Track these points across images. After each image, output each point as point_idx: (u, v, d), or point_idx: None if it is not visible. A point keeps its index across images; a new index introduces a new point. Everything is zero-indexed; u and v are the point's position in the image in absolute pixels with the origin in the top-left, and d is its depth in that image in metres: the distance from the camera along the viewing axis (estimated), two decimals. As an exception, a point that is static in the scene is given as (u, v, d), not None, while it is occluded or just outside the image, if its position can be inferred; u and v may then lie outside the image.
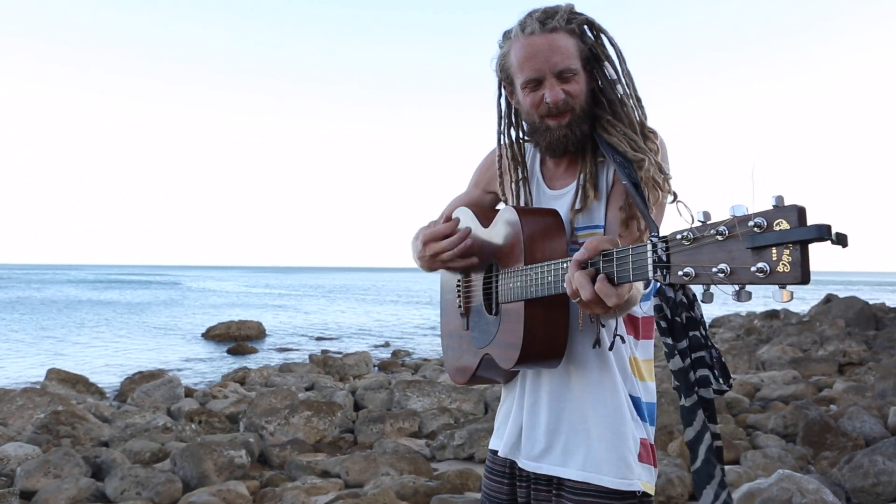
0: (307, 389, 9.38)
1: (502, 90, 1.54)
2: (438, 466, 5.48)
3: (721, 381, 1.16)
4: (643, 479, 1.39)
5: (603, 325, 1.36)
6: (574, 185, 1.47)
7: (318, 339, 20.70)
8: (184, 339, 19.89)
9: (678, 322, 1.13)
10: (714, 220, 0.94)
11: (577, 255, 1.14)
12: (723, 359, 1.18)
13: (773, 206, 0.86)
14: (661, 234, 1.04)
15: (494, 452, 1.59)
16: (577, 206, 1.45)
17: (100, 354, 16.16)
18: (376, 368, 12.34)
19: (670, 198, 1.32)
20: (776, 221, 0.85)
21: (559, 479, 1.43)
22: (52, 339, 19.52)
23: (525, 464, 1.48)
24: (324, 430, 6.42)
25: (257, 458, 5.69)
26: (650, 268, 1.01)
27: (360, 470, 5.07)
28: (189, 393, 8.93)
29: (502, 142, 1.57)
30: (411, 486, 4.51)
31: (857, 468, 4.22)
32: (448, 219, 1.58)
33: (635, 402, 1.44)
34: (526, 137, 1.57)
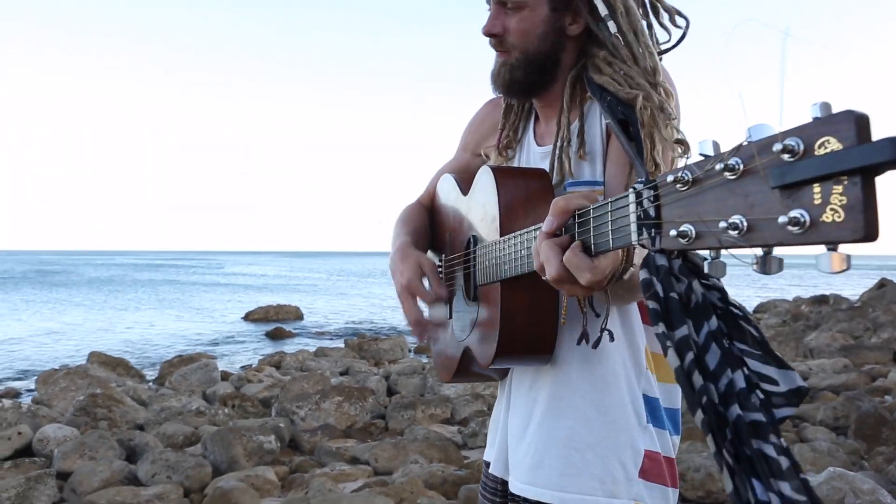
0: (341, 374, 9.37)
1: None
2: (469, 454, 5.37)
3: (771, 394, 0.68)
4: (641, 500, 1.12)
5: (598, 315, 1.09)
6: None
7: (355, 322, 20.82)
8: (224, 322, 20.22)
9: (674, 299, 0.71)
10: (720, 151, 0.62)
11: (545, 222, 0.88)
12: (771, 359, 0.70)
13: (815, 118, 0.52)
14: (646, 182, 0.75)
15: (487, 465, 1.36)
16: (558, 164, 1.20)
17: (141, 337, 16.53)
18: (411, 353, 12.29)
19: (678, 149, 1.08)
20: (820, 141, 0.52)
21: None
22: (94, 322, 20.06)
23: (515, 486, 1.21)
24: (355, 415, 6.38)
25: (287, 443, 5.67)
26: (633, 228, 0.73)
27: (389, 457, 4.99)
28: (225, 377, 9.01)
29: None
30: (440, 474, 4.41)
31: (916, 465, 3.95)
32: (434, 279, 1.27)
33: (650, 403, 1.17)
34: None
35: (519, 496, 1.19)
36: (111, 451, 4.97)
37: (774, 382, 0.68)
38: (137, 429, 5.94)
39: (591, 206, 0.82)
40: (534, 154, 1.31)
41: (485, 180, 1.19)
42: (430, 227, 1.49)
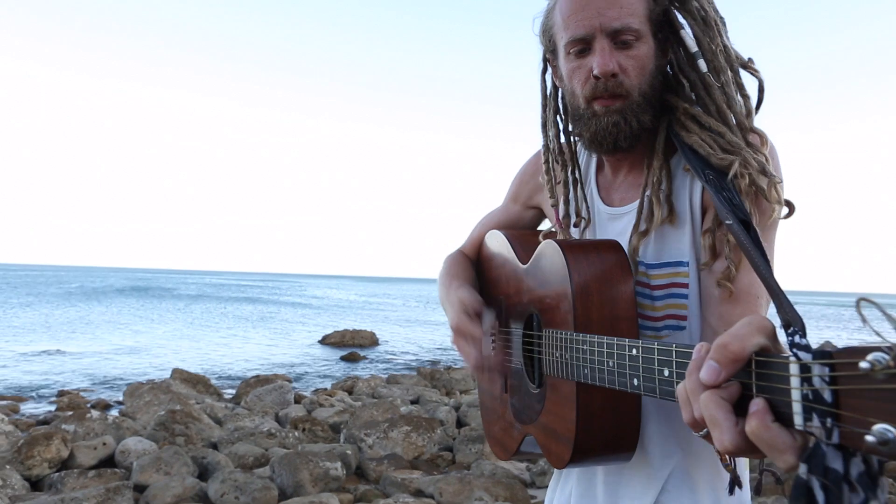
0: (412, 402, 9.34)
1: (547, 63, 1.18)
2: (537, 494, 5.18)
3: None
4: None
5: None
6: (638, 202, 1.09)
7: (429, 350, 20.85)
8: (302, 344, 20.72)
9: None
10: None
11: (706, 369, 0.61)
12: None
13: None
14: (804, 337, 0.58)
15: None
16: (642, 227, 1.05)
17: (224, 356, 17.15)
18: (483, 384, 12.13)
19: (784, 210, 0.95)
20: None
21: None
22: (181, 338, 21.00)
23: None
24: (422, 446, 6.30)
25: (354, 470, 5.65)
26: (797, 409, 0.55)
27: (454, 492, 4.87)
28: (298, 399, 9.17)
29: (548, 133, 1.20)
30: (505, 515, 4.26)
31: None
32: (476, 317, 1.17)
33: None
34: (572, 130, 1.17)
35: None
36: (185, 467, 5.11)
37: None
38: (211, 447, 6.10)
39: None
40: (599, 214, 1.17)
41: (551, 255, 1.06)
42: (476, 280, 1.38)
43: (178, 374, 9.86)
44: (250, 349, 18.93)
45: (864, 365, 0.48)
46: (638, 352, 0.81)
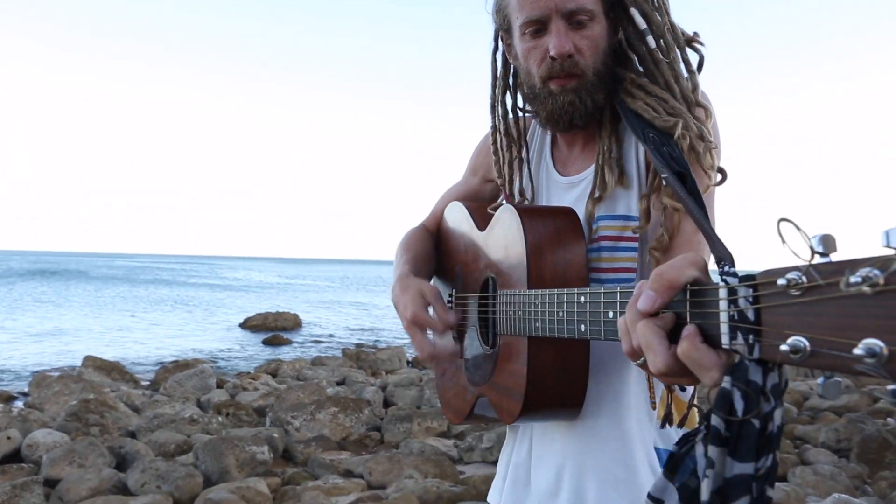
0: (338, 384, 9.28)
1: (499, 41, 1.20)
2: (465, 469, 5.29)
3: None
4: None
5: (683, 390, 0.98)
6: (592, 168, 1.13)
7: (353, 331, 20.73)
8: (222, 328, 20.14)
9: (751, 426, 0.58)
10: (834, 253, 0.52)
11: (643, 298, 0.67)
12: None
13: None
14: (733, 266, 0.64)
15: None
16: (596, 193, 1.10)
17: (139, 342, 16.45)
18: (409, 364, 12.20)
19: (717, 177, 1.01)
20: None
21: None
22: (91, 325, 19.98)
23: None
24: (350, 427, 6.29)
25: (281, 453, 5.59)
26: (724, 329, 0.60)
27: (383, 471, 4.91)
28: (220, 384, 8.93)
29: (497, 113, 1.23)
30: (435, 490, 4.33)
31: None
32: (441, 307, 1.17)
33: (660, 456, 1.10)
34: (527, 107, 1.21)
35: None
36: (101, 458, 4.90)
37: None
38: (129, 436, 5.86)
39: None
40: (555, 185, 1.20)
41: (507, 219, 1.09)
42: (435, 253, 1.41)
43: (90, 361, 9.38)
44: (167, 334, 18.22)
45: (781, 282, 0.54)
46: (586, 298, 0.85)
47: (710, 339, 0.62)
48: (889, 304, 0.47)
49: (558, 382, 1.02)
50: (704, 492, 0.59)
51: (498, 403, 1.11)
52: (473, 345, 1.23)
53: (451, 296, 1.34)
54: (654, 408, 1.01)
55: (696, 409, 1.02)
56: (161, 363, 11.44)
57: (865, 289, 0.47)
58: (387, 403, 7.78)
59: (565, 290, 0.91)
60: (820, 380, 0.55)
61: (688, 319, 0.65)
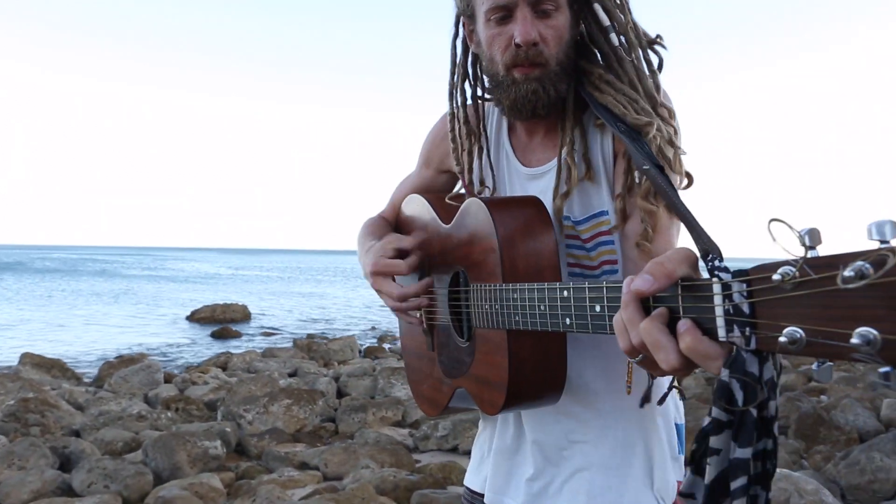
0: (290, 375, 9.18)
1: (460, 27, 1.19)
2: (421, 458, 5.32)
3: None
4: None
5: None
6: (556, 161, 1.12)
7: (304, 322, 20.49)
8: (168, 322, 19.61)
9: (751, 414, 0.62)
10: (820, 245, 0.55)
11: (637, 284, 0.69)
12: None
13: None
14: (722, 260, 0.66)
15: (473, 492, 1.29)
16: (563, 188, 1.10)
17: (80, 337, 15.87)
18: (361, 354, 12.15)
19: (684, 182, 1.03)
20: None
21: None
22: (28, 320, 19.18)
23: None
24: (304, 418, 6.24)
25: (234, 447, 5.50)
26: (720, 323, 0.63)
27: (339, 462, 4.89)
28: (168, 378, 8.71)
29: (455, 99, 1.22)
30: (392, 479, 4.34)
31: (854, 465, 4.09)
32: (404, 252, 1.22)
33: (679, 431, 1.14)
34: (487, 95, 1.19)
35: None
36: (43, 459, 4.72)
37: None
38: (73, 435, 5.67)
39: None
40: (517, 174, 1.19)
41: (476, 212, 1.09)
42: None
43: (28, 358, 8.99)
44: (110, 329, 17.63)
45: (776, 277, 0.56)
46: (569, 293, 0.86)
47: (706, 332, 0.65)
48: (880, 294, 0.50)
49: (539, 371, 1.04)
50: (709, 476, 0.63)
51: (479, 395, 1.12)
52: (446, 337, 1.23)
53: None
54: (628, 392, 1.04)
55: (676, 390, 1.05)
56: (104, 359, 11.07)
57: (858, 282, 0.50)
58: (340, 394, 7.74)
59: (546, 285, 0.92)
60: (814, 365, 0.57)
61: (681, 314, 0.67)
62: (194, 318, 19.47)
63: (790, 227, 0.56)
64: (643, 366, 0.75)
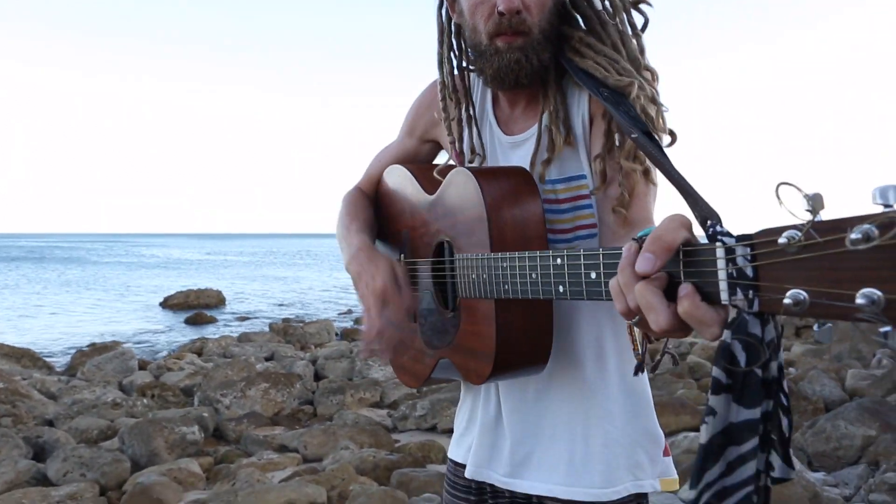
0: (266, 360, 9.13)
1: None
2: (400, 437, 5.36)
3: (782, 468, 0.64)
4: (665, 475, 1.15)
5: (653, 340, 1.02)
6: (536, 127, 1.13)
7: (280, 306, 20.36)
8: (140, 308, 19.34)
9: (755, 375, 0.62)
10: (823, 210, 0.56)
11: (641, 259, 0.68)
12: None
13: None
14: (722, 225, 0.66)
15: (456, 464, 1.29)
16: (544, 155, 1.10)
17: (50, 326, 15.59)
18: (338, 337, 12.14)
19: (667, 139, 1.02)
20: None
21: (541, 497, 1.15)
22: None
23: (499, 479, 1.20)
24: (282, 402, 6.24)
25: (212, 433, 5.49)
26: (723, 287, 0.63)
27: (318, 444, 4.91)
28: (143, 365, 8.62)
29: (444, 69, 1.21)
30: (371, 459, 4.37)
31: (820, 433, 4.22)
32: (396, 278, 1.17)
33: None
34: (471, 66, 1.19)
35: (500, 489, 1.19)
36: (16, 450, 4.65)
37: (772, 469, 0.64)
38: (46, 424, 5.60)
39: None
40: (500, 144, 1.19)
41: (462, 182, 1.07)
42: (375, 218, 1.39)
43: (-4, 348, 8.83)
44: (80, 317, 17.35)
45: (781, 241, 0.57)
46: (563, 260, 0.86)
47: (707, 296, 0.65)
48: (885, 256, 0.51)
49: (526, 341, 1.04)
50: (703, 435, 0.63)
51: (464, 365, 1.12)
52: (429, 308, 1.22)
53: (399, 261, 1.31)
54: (641, 360, 1.02)
55: (669, 356, 1.05)
56: (75, 348, 10.92)
57: (865, 244, 0.51)
58: (318, 377, 7.74)
59: (538, 253, 0.91)
60: (815, 326, 0.59)
61: (682, 279, 0.67)
62: (167, 304, 19.22)
63: (799, 189, 0.56)
64: (640, 327, 0.76)
